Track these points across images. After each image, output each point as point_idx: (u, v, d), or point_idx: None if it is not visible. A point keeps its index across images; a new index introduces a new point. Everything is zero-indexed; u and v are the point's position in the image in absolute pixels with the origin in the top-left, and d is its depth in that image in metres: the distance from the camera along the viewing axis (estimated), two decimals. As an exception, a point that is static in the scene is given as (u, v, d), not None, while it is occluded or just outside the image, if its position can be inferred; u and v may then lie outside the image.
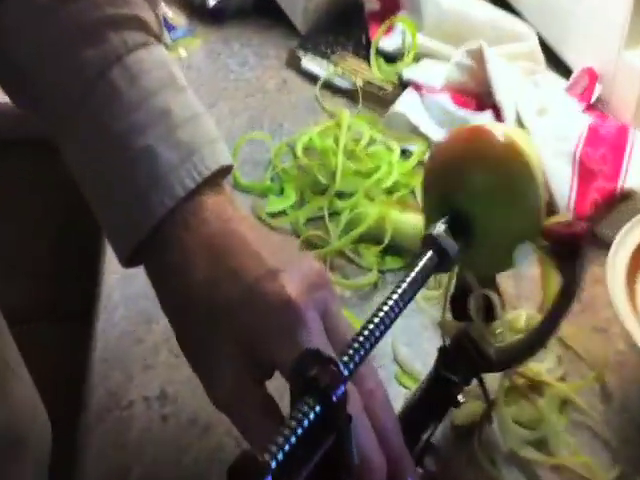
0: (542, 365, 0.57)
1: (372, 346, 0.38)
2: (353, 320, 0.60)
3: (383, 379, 0.56)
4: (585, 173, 0.70)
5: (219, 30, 0.97)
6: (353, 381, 0.41)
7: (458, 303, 0.51)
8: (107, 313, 0.61)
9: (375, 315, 0.38)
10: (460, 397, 0.51)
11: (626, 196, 0.67)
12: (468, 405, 0.53)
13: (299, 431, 0.33)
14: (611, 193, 0.67)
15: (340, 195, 0.72)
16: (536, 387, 0.54)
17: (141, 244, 0.42)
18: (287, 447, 0.32)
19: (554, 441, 0.51)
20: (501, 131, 0.43)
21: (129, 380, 0.56)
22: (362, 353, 0.37)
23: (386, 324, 0.38)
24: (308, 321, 0.40)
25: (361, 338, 0.37)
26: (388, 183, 0.71)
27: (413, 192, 0.74)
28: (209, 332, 0.42)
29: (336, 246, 0.66)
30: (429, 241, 0.42)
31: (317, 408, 0.33)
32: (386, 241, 0.65)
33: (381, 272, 0.65)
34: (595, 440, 0.52)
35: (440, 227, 0.43)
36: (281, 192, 0.74)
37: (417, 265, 0.41)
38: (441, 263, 0.42)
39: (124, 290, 0.63)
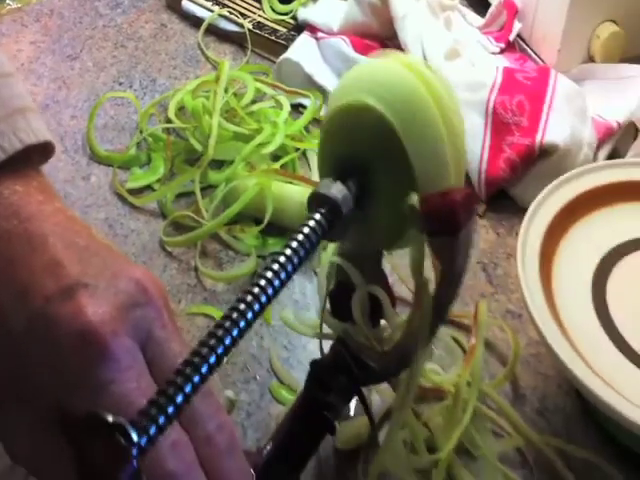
0: (442, 366, 0.48)
1: (210, 370, 0.27)
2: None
3: (257, 395, 0.47)
4: (499, 126, 0.60)
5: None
6: (185, 424, 0.32)
7: (339, 301, 0.41)
8: None
9: (222, 322, 0.27)
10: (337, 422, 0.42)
11: (546, 152, 0.58)
12: (352, 425, 0.44)
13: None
14: (529, 150, 0.58)
15: (218, 164, 0.61)
16: (436, 396, 0.45)
17: None
18: None
19: (458, 471, 0.42)
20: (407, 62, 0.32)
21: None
22: (187, 390, 0.27)
23: (240, 327, 0.28)
24: (115, 353, 0.30)
25: (188, 369, 0.27)
26: (271, 148, 0.60)
27: (304, 155, 0.63)
28: None
29: (208, 228, 0.55)
30: (318, 200, 0.32)
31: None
32: (266, 220, 0.54)
33: (262, 257, 0.55)
34: (507, 452, 0.44)
35: (331, 184, 0.32)
36: (148, 162, 0.62)
37: (299, 233, 0.30)
38: (331, 227, 0.32)
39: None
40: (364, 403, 0.41)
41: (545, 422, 0.45)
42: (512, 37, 0.71)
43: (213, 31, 0.77)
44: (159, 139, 0.63)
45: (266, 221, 0.54)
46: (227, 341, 0.27)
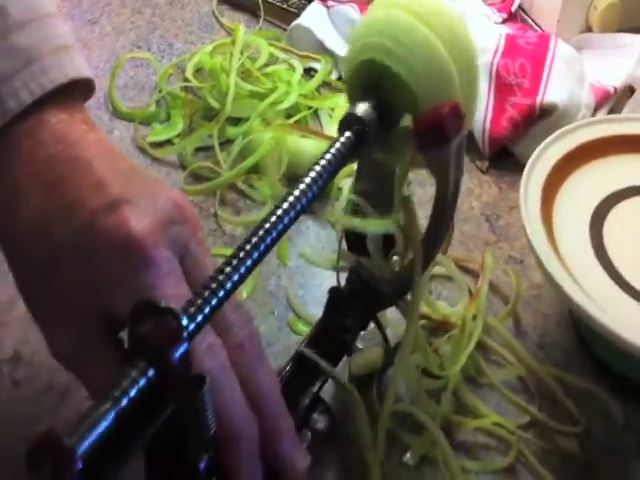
0: (451, 305, 0.51)
1: (239, 280, 0.30)
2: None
3: (275, 328, 0.50)
4: (502, 88, 0.63)
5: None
6: (218, 331, 0.35)
7: (354, 235, 0.44)
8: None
9: (257, 231, 0.30)
10: (357, 344, 0.46)
11: (546, 112, 0.61)
12: (367, 352, 0.47)
13: (124, 402, 0.26)
14: (530, 109, 0.61)
15: (234, 121, 0.64)
16: (445, 329, 0.49)
17: None
18: (104, 425, 0.25)
19: (464, 394, 0.45)
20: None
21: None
22: (221, 296, 0.30)
23: (273, 237, 0.31)
24: (156, 261, 0.33)
25: (221, 277, 0.30)
26: (286, 105, 0.63)
27: (317, 114, 0.66)
28: (46, 279, 0.35)
29: (226, 178, 0.58)
30: (348, 120, 0.35)
31: (150, 373, 0.27)
32: (282, 170, 0.58)
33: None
34: (510, 380, 0.47)
35: (361, 106, 0.35)
36: (167, 119, 0.65)
37: (333, 146, 0.34)
38: (359, 143, 0.35)
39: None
40: (379, 325, 0.45)
41: (545, 355, 0.49)
42: (514, 8, 0.75)
43: (226, 0, 0.80)
44: (177, 97, 0.66)
45: (282, 170, 0.57)
46: (268, 239, 0.30)
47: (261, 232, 0.31)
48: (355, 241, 0.44)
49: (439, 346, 0.47)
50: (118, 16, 0.77)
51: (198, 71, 0.69)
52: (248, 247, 0.30)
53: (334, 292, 0.44)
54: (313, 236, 0.57)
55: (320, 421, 0.42)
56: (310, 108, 0.65)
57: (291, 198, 0.32)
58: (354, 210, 0.44)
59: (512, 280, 0.52)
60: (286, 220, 0.32)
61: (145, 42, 0.74)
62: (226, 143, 0.62)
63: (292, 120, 0.63)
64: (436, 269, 0.52)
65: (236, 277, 0.30)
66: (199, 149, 0.63)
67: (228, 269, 0.30)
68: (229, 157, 0.60)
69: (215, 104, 0.64)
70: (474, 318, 0.48)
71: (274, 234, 0.31)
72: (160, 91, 0.67)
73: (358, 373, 0.47)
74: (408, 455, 0.43)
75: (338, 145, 0.34)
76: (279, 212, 0.31)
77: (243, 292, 0.52)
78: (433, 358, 0.46)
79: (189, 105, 0.64)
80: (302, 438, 0.41)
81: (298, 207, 0.32)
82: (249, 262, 0.30)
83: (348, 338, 0.43)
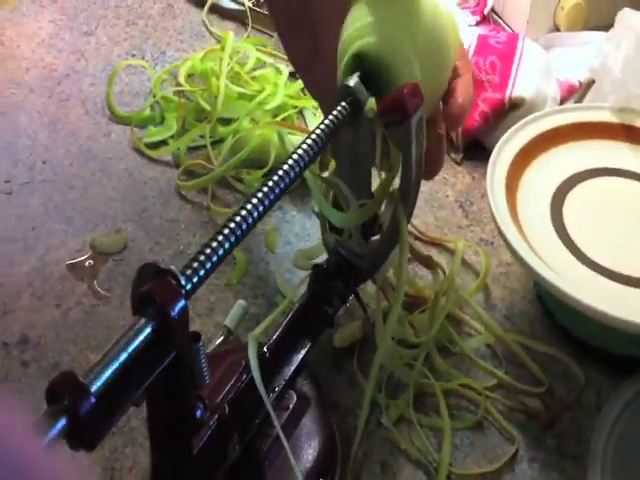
0: (425, 281, 0.56)
1: (231, 246, 0.33)
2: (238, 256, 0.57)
3: (264, 307, 0.55)
4: (474, 84, 0.67)
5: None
6: None
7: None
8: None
9: (255, 194, 0.34)
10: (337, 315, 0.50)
11: (514, 105, 0.65)
12: (348, 327, 0.52)
13: (130, 349, 0.30)
14: (499, 103, 0.65)
15: (225, 121, 0.68)
16: (420, 303, 0.53)
17: None
18: (113, 368, 0.29)
19: (436, 360, 0.50)
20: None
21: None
22: (214, 260, 0.33)
23: (274, 195, 0.34)
24: None
25: (214, 243, 0.34)
26: (273, 104, 0.67)
27: (301, 113, 0.71)
28: None
29: (218, 172, 0.62)
30: (342, 92, 0.39)
31: (152, 325, 0.31)
32: (270, 164, 0.62)
33: (265, 197, 0.62)
34: (480, 348, 0.52)
35: (353, 78, 0.39)
36: (162, 122, 0.70)
37: (329, 116, 0.37)
38: (353, 114, 0.39)
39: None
40: (359, 299, 0.49)
41: (512, 324, 0.53)
42: (486, 11, 0.79)
43: (216, 9, 0.85)
44: (171, 101, 0.70)
45: (270, 164, 0.61)
46: (268, 198, 0.34)
47: (260, 194, 0.34)
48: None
49: (414, 319, 0.51)
50: (113, 27, 0.82)
51: (190, 76, 0.74)
52: (243, 212, 0.34)
53: (317, 268, 0.48)
54: (299, 225, 0.61)
55: (305, 385, 0.46)
56: (296, 107, 0.70)
57: (290, 161, 0.36)
58: (334, 194, 0.48)
59: (482, 259, 0.56)
60: (291, 175, 0.35)
61: (139, 51, 0.79)
62: (217, 142, 0.67)
63: (280, 117, 0.67)
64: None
65: (227, 245, 0.34)
66: (192, 148, 0.67)
67: (220, 237, 0.34)
68: (220, 154, 0.64)
69: (206, 106, 0.68)
70: (446, 294, 0.52)
71: (274, 194, 0.35)
72: (154, 96, 0.71)
73: (340, 345, 0.51)
74: (385, 417, 0.47)
75: (335, 113, 0.38)
76: (283, 170, 0.35)
77: (234, 278, 0.56)
78: (408, 329, 0.50)
79: (182, 108, 0.69)
80: (288, 399, 0.45)
81: (298, 169, 0.35)
82: (244, 226, 0.34)
83: (330, 311, 0.48)
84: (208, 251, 0.34)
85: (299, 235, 0.60)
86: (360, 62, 0.40)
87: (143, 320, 0.31)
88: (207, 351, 0.36)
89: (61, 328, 0.52)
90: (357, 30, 0.40)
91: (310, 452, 0.44)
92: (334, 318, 0.48)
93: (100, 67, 0.76)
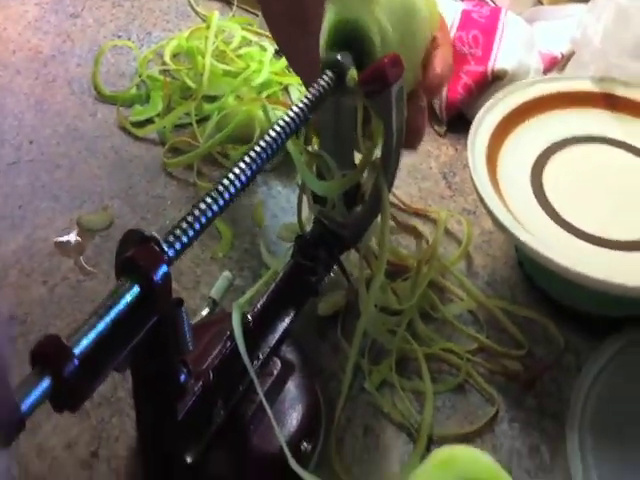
0: (408, 250, 0.56)
1: (214, 214, 0.34)
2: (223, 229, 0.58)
3: (249, 279, 0.55)
4: (457, 58, 0.68)
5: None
6: None
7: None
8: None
9: (238, 164, 0.34)
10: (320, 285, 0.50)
11: (497, 77, 0.66)
12: (332, 295, 0.52)
13: (113, 314, 0.31)
14: (482, 75, 0.66)
15: (210, 99, 0.69)
16: (402, 271, 0.53)
17: None
18: (96, 331, 0.30)
19: (419, 326, 0.50)
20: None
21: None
22: (197, 228, 0.33)
23: (258, 163, 0.35)
24: None
25: (197, 212, 0.34)
26: (258, 81, 0.68)
27: (286, 89, 0.71)
28: None
29: (204, 148, 0.63)
30: (325, 63, 0.40)
31: (135, 289, 0.32)
32: (255, 139, 0.62)
33: (251, 173, 0.63)
34: (462, 313, 0.52)
35: (335, 50, 0.40)
36: (148, 100, 0.70)
37: (312, 86, 0.38)
38: (336, 86, 0.39)
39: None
40: (342, 268, 0.50)
41: (493, 290, 0.54)
42: (470, -15, 0.80)
43: (201, -10, 0.85)
44: (157, 80, 0.71)
45: (255, 139, 0.62)
46: (258, 161, 0.35)
47: (242, 164, 0.35)
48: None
49: (396, 287, 0.52)
50: (99, 9, 0.82)
51: (175, 56, 0.74)
52: (226, 181, 0.35)
53: (300, 239, 0.49)
54: (284, 199, 0.62)
55: (289, 352, 0.47)
56: (281, 84, 0.70)
57: (273, 133, 0.36)
58: (318, 167, 0.49)
59: (465, 228, 0.57)
60: (279, 141, 0.35)
61: (125, 32, 0.79)
62: (203, 120, 0.67)
63: (265, 94, 0.68)
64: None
65: (210, 213, 0.35)
66: (178, 126, 0.67)
67: (203, 205, 0.34)
68: (205, 131, 0.65)
69: (192, 84, 0.69)
70: (429, 262, 0.53)
71: (256, 164, 0.35)
72: (140, 75, 0.72)
73: (324, 313, 0.52)
74: (368, 382, 0.48)
75: (318, 85, 0.38)
76: (266, 140, 0.35)
77: (219, 252, 0.57)
78: (391, 297, 0.51)
79: (168, 86, 0.69)
80: (272, 366, 0.46)
81: (280, 140, 0.36)
82: (227, 195, 0.34)
83: (314, 280, 0.48)
84: (190, 219, 0.34)
85: (284, 209, 0.61)
86: (341, 34, 0.40)
87: (127, 284, 0.31)
88: (193, 322, 0.37)
89: (47, 304, 0.52)
90: (336, 2, 0.41)
91: (294, 417, 0.45)
92: (318, 287, 0.49)
93: (86, 48, 0.77)
